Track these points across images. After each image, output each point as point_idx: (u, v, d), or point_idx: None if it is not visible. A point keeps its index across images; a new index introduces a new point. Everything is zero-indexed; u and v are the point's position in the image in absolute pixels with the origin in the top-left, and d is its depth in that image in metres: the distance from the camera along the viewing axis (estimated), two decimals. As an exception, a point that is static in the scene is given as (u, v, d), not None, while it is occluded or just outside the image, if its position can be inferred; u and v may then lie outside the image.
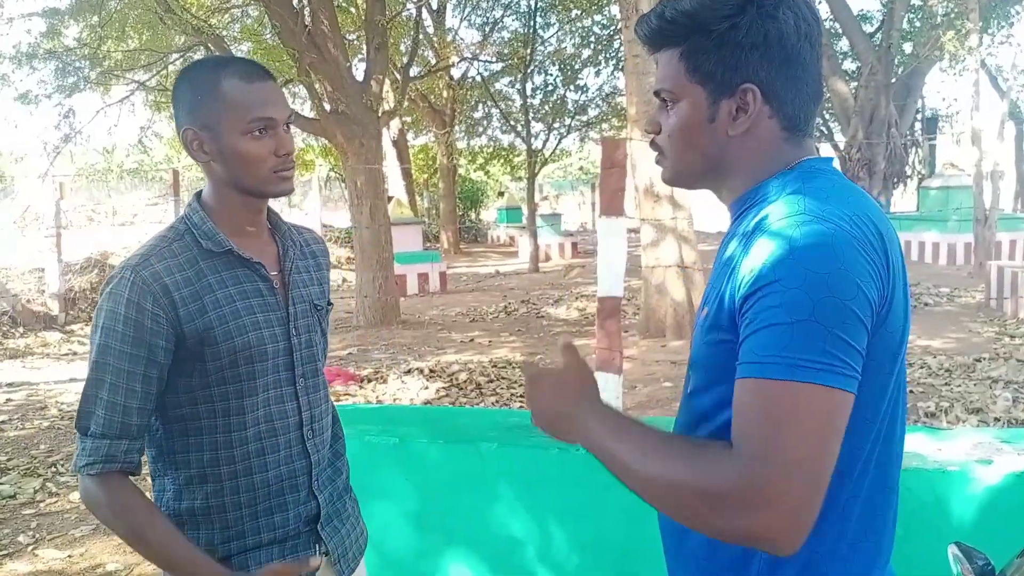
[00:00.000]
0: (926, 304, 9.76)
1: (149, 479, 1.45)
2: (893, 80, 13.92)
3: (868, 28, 16.00)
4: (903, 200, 20.60)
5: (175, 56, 10.94)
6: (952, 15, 12.61)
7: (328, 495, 1.49)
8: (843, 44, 15.94)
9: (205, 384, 1.35)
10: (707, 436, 1.03)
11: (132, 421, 1.30)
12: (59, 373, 7.93)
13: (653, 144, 1.13)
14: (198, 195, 1.45)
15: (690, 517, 0.92)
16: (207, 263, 1.37)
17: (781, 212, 0.95)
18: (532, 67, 17.95)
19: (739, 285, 0.94)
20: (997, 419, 4.93)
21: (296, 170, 1.50)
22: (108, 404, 1.29)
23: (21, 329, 10.13)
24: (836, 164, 1.08)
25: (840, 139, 15.55)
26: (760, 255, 0.92)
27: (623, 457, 0.97)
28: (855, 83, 14.82)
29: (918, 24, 14.14)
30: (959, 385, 5.77)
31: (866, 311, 0.89)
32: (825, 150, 17.90)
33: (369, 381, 6.74)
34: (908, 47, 14.23)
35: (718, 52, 1.01)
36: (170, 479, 1.40)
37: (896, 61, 14.20)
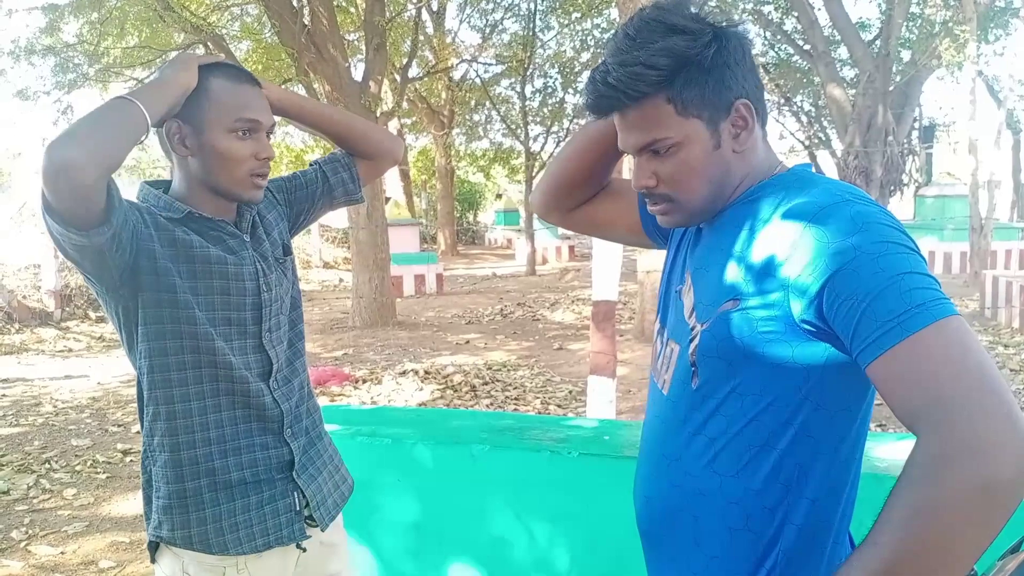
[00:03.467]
0: (921, 312, 9.77)
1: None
2: (891, 88, 13.94)
3: (867, 36, 16.04)
4: (899, 208, 20.60)
5: (174, 54, 10.93)
6: (951, 24, 12.64)
7: (302, 444, 1.51)
8: (842, 51, 15.97)
9: (175, 319, 1.37)
10: (723, 431, 1.03)
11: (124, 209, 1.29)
12: (54, 370, 7.92)
13: (652, 198, 1.11)
14: (149, 183, 1.48)
15: (971, 518, 0.78)
16: (174, 230, 1.40)
17: (817, 200, 0.98)
18: (531, 70, 17.97)
19: (805, 272, 0.93)
20: (989, 427, 4.94)
21: (277, 174, 1.56)
22: None
23: (16, 325, 10.13)
24: (834, 172, 1.11)
25: (837, 146, 15.57)
26: (819, 239, 0.93)
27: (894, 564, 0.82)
28: (853, 90, 14.86)
29: (916, 32, 14.18)
30: (952, 393, 5.78)
31: None
32: (822, 157, 17.93)
33: (364, 382, 6.75)
34: (906, 55, 14.26)
35: (709, 80, 1.02)
36: (147, 416, 1.43)
37: (894, 69, 14.23)
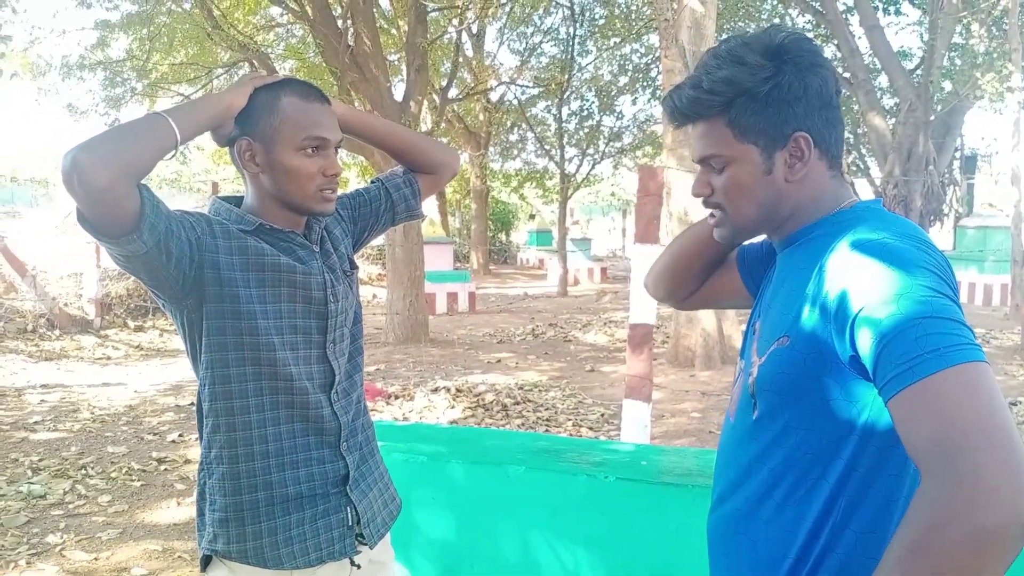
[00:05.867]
0: (961, 345, 9.57)
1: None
2: (932, 117, 13.78)
3: (908, 65, 15.89)
4: (939, 239, 20.32)
5: (220, 71, 11.17)
6: (994, 55, 12.48)
7: (356, 459, 1.53)
8: (882, 80, 15.83)
9: (237, 330, 1.39)
10: (781, 462, 1.07)
11: (169, 220, 1.32)
12: (92, 377, 8.06)
13: (707, 204, 1.20)
14: (222, 198, 1.52)
15: (961, 564, 0.80)
16: (246, 238, 1.43)
17: (864, 239, 1.01)
18: (568, 93, 18.05)
19: (838, 310, 0.97)
20: (1032, 466, 4.82)
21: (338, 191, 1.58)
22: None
23: (57, 332, 10.32)
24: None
25: (876, 175, 15.41)
26: (855, 279, 0.96)
27: None
28: (893, 119, 14.70)
29: (959, 62, 14.01)
30: (994, 429, 5.64)
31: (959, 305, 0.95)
32: (861, 185, 17.74)
33: (396, 398, 6.77)
34: (948, 85, 14.09)
35: (766, 111, 1.09)
36: (206, 428, 1.45)
37: (935, 99, 14.07)
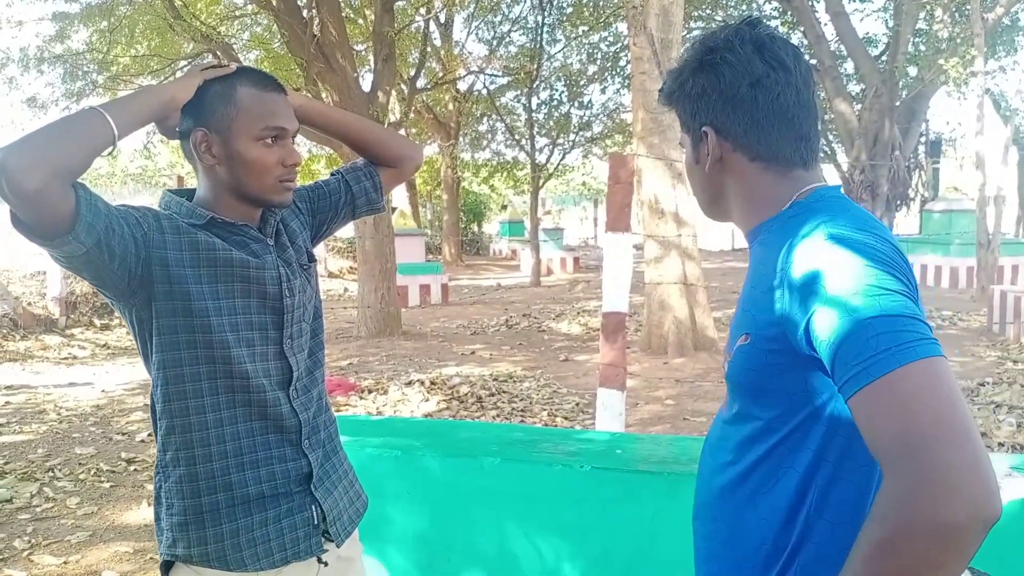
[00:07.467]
0: (928, 327, 9.73)
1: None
2: (897, 103, 13.94)
3: (874, 51, 16.05)
4: (906, 223, 20.60)
5: (183, 63, 10.98)
6: (957, 40, 12.64)
7: (319, 456, 1.49)
8: (848, 66, 15.98)
9: (189, 328, 1.35)
10: (753, 452, 1.10)
11: (109, 217, 1.26)
12: (58, 377, 7.91)
13: None
14: (172, 192, 1.47)
15: (926, 560, 0.82)
16: (196, 233, 1.39)
17: (817, 235, 1.01)
18: (538, 82, 18.01)
19: (793, 309, 0.98)
20: (1001, 444, 4.90)
21: (299, 182, 1.54)
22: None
23: (21, 332, 10.12)
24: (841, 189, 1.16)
25: (843, 160, 15.57)
26: (806, 276, 0.97)
27: None
28: (859, 105, 14.86)
29: (923, 48, 14.19)
30: (962, 409, 5.73)
31: (914, 296, 0.96)
32: (828, 171, 17.93)
33: (370, 392, 6.73)
34: (913, 70, 14.26)
35: (682, 107, 1.21)
36: (160, 429, 1.41)
37: (901, 84, 14.24)
